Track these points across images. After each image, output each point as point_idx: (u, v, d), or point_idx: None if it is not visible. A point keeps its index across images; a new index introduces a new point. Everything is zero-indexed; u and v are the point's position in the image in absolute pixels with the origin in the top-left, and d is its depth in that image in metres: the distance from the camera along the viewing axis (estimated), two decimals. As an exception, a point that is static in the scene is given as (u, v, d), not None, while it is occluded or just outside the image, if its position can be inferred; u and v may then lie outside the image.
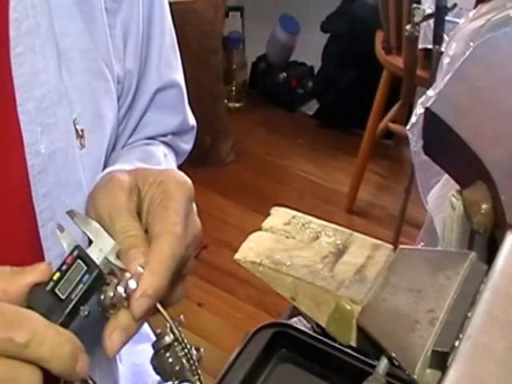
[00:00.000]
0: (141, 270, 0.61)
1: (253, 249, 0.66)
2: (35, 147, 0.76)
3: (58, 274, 0.59)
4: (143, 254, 0.62)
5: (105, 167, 0.84)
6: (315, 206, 3.00)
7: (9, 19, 0.73)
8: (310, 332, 0.71)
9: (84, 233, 0.63)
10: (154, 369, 0.65)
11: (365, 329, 0.57)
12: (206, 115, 2.85)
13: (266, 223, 0.69)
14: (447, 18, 2.11)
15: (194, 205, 0.70)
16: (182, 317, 0.64)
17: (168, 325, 0.63)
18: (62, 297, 0.58)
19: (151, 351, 1.05)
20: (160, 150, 0.96)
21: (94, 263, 0.60)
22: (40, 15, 0.76)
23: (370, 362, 0.66)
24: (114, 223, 0.65)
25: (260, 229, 0.69)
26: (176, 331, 0.63)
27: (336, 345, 0.68)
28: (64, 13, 0.79)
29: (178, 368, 0.63)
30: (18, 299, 0.58)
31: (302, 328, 0.72)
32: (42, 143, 0.77)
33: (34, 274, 0.58)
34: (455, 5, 2.12)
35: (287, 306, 0.85)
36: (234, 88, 3.77)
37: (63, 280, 0.59)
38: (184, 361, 0.63)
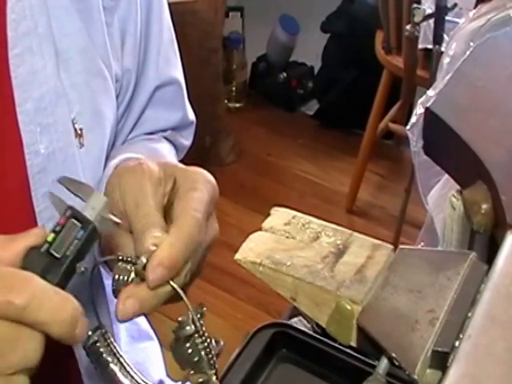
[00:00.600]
0: (154, 248, 0.63)
1: (253, 249, 0.66)
2: (34, 147, 0.76)
3: (52, 235, 0.59)
4: (160, 235, 0.65)
5: (105, 166, 0.84)
6: (315, 206, 3.00)
7: (6, 20, 0.73)
8: (310, 332, 0.71)
9: (76, 196, 0.63)
10: (173, 355, 0.65)
11: (365, 329, 0.57)
12: (206, 115, 2.85)
13: (266, 223, 0.69)
14: (447, 17, 2.11)
15: (214, 212, 0.73)
16: (204, 309, 0.65)
17: (190, 315, 0.63)
18: (58, 255, 0.58)
19: (152, 349, 1.06)
20: (165, 148, 0.97)
21: (88, 219, 0.60)
22: (38, 15, 0.76)
23: (370, 362, 0.66)
24: (138, 209, 0.67)
25: (260, 229, 0.69)
26: (198, 323, 0.64)
27: (336, 345, 0.68)
28: (62, 12, 0.79)
29: (196, 359, 0.64)
30: (15, 265, 0.58)
31: (302, 328, 0.72)
32: (41, 143, 0.76)
33: (28, 238, 0.59)
34: (455, 5, 2.12)
35: (287, 306, 0.85)
36: (234, 88, 3.77)
37: (58, 240, 0.59)
38: (203, 353, 0.64)
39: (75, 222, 0.60)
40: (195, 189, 0.69)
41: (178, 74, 1.01)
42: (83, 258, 0.60)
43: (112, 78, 0.87)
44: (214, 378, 0.64)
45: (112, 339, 0.65)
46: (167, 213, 0.70)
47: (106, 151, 0.86)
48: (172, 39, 0.99)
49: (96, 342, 0.64)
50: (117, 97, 0.89)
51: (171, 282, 0.63)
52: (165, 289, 0.63)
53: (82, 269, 0.60)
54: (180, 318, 0.64)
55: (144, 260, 0.62)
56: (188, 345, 0.64)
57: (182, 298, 0.64)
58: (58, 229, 0.59)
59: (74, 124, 0.80)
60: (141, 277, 0.63)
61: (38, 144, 0.76)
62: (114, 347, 0.64)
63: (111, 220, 0.62)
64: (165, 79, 0.97)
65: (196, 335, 0.64)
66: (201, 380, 0.64)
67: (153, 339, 1.15)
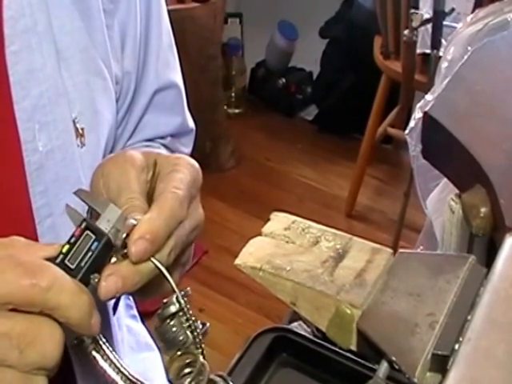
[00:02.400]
0: (134, 222, 0.62)
1: (253, 254, 0.66)
2: (32, 144, 0.76)
3: (67, 247, 0.59)
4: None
5: None
6: (315, 210, 3.00)
7: (3, 17, 0.73)
8: (311, 336, 0.72)
9: (92, 208, 0.64)
10: (158, 338, 0.65)
11: (365, 333, 0.57)
12: (206, 121, 2.85)
13: (266, 228, 0.69)
14: (445, 22, 2.11)
15: (199, 196, 0.72)
16: (188, 289, 0.65)
17: (174, 295, 0.63)
18: (72, 266, 0.59)
19: (153, 359, 1.05)
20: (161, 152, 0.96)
21: (102, 231, 0.60)
22: (37, 13, 0.76)
23: (370, 365, 0.66)
24: (121, 194, 0.67)
25: (260, 234, 0.69)
26: (182, 301, 0.63)
27: (336, 349, 0.68)
28: (62, 11, 0.79)
29: (181, 338, 0.63)
30: None
31: (303, 332, 0.72)
32: (39, 140, 0.77)
33: (46, 249, 0.59)
34: (453, 9, 2.12)
35: (287, 310, 0.85)
36: (233, 94, 3.77)
37: (72, 251, 0.59)
38: (188, 332, 0.63)
39: (90, 233, 0.60)
40: (176, 170, 0.68)
41: (178, 78, 1.01)
42: (97, 269, 0.60)
43: (112, 79, 0.87)
44: (201, 357, 0.63)
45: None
46: (150, 199, 0.69)
47: (104, 152, 0.86)
48: (171, 43, 0.99)
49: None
50: (117, 100, 0.90)
51: (153, 259, 0.62)
52: (147, 265, 0.62)
53: (96, 280, 0.60)
54: (165, 300, 0.63)
55: (123, 235, 0.61)
56: (173, 323, 0.63)
57: (167, 281, 0.63)
58: (72, 240, 0.60)
59: (75, 124, 0.81)
60: (123, 256, 0.62)
61: (37, 141, 0.77)
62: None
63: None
64: (164, 83, 0.98)
65: (181, 313, 0.63)
66: (188, 361, 0.63)
67: (153, 349, 1.15)
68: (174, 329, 0.63)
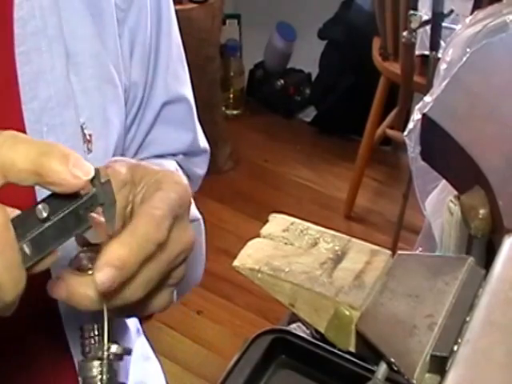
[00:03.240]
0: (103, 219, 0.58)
1: (251, 256, 0.66)
2: None
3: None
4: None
5: None
6: (313, 212, 3.00)
7: (13, 18, 0.74)
8: (309, 338, 0.71)
9: None
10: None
11: (364, 334, 0.57)
12: (204, 123, 2.84)
13: (265, 230, 0.69)
14: (444, 24, 2.11)
15: (189, 218, 0.67)
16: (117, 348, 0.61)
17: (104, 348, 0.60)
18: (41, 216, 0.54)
19: (152, 367, 1.04)
20: (171, 164, 0.95)
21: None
22: (48, 16, 0.76)
23: (369, 367, 0.66)
24: None
25: (258, 235, 0.69)
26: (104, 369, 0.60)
27: (335, 350, 0.68)
28: (74, 15, 0.79)
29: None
30: None
31: (301, 334, 0.72)
32: None
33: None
34: (452, 11, 2.13)
35: (286, 312, 0.85)
36: (231, 95, 3.78)
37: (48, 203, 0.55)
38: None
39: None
40: (160, 188, 0.63)
41: (187, 92, 0.99)
42: (65, 230, 0.55)
43: (122, 86, 0.86)
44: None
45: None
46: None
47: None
48: (181, 57, 0.98)
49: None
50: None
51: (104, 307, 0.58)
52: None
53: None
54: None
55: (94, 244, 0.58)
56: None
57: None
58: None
59: (83, 129, 0.80)
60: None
61: None
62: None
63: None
64: (173, 96, 0.96)
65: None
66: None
67: (152, 358, 1.16)
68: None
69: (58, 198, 0.54)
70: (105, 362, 0.59)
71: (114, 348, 0.60)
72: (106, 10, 0.82)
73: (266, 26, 3.74)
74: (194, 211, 0.90)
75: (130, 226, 0.59)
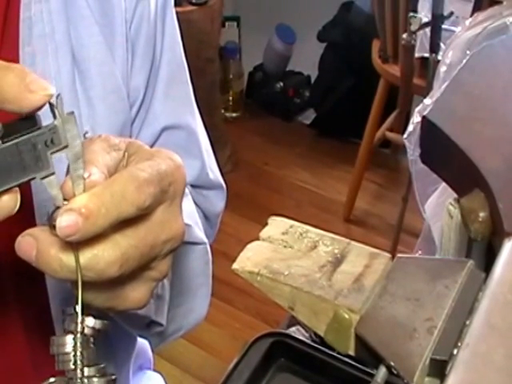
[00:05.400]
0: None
1: (250, 258, 0.65)
2: None
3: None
4: (88, 175, 0.54)
5: None
6: (313, 215, 3.00)
7: (19, 18, 0.74)
8: (309, 341, 0.71)
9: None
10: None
11: (363, 338, 0.57)
12: (203, 125, 2.85)
13: (264, 233, 0.69)
14: (444, 26, 2.11)
15: (181, 205, 0.61)
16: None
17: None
18: None
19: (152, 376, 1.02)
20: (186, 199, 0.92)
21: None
22: (56, 22, 0.76)
23: (368, 370, 0.66)
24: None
25: (257, 238, 0.69)
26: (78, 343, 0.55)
27: (334, 354, 0.68)
28: (81, 23, 0.79)
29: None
30: None
31: (301, 337, 0.72)
32: None
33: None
34: (452, 13, 2.13)
35: (285, 315, 0.84)
36: (230, 98, 3.78)
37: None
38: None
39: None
40: (149, 159, 0.57)
41: (191, 121, 0.95)
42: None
43: (128, 97, 0.85)
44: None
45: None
46: None
47: None
48: (185, 80, 0.95)
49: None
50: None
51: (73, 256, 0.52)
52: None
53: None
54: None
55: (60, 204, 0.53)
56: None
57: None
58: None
59: (85, 138, 0.79)
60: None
61: None
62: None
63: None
64: (174, 122, 0.92)
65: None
66: None
67: (151, 368, 1.16)
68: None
69: (16, 125, 0.50)
70: (79, 336, 0.54)
71: (90, 321, 0.55)
72: (116, 21, 0.82)
73: (265, 29, 3.74)
74: (199, 233, 0.88)
75: (107, 180, 0.54)
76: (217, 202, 1.02)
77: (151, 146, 0.88)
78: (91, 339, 0.56)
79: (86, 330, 0.55)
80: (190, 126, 0.95)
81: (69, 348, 0.54)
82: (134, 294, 0.59)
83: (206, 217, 1.00)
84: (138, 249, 0.55)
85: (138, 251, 0.55)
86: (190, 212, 0.89)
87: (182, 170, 0.59)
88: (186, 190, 0.91)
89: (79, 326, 0.54)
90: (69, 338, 0.55)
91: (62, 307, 0.58)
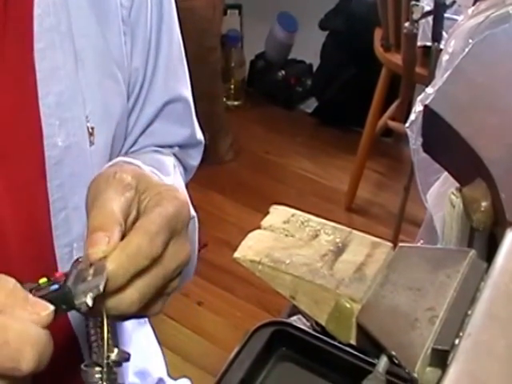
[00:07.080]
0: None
1: (252, 247, 0.65)
2: (53, 140, 0.79)
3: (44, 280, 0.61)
4: (108, 240, 0.62)
5: None
6: (314, 204, 3.00)
7: (33, 15, 0.76)
8: (310, 330, 0.71)
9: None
10: None
11: (364, 327, 0.57)
12: (205, 114, 2.84)
13: (265, 221, 0.69)
14: (446, 15, 2.10)
15: (187, 233, 0.69)
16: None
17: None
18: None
19: (153, 351, 1.04)
20: (170, 160, 0.96)
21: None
22: (60, 13, 0.79)
23: (369, 360, 0.66)
24: (97, 198, 0.66)
25: (259, 227, 0.69)
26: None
27: (336, 343, 0.68)
28: (80, 14, 0.81)
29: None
30: None
31: (302, 326, 0.72)
32: (59, 136, 0.80)
33: (31, 314, 0.56)
34: (454, 2, 2.12)
35: (287, 304, 0.84)
36: (232, 86, 3.77)
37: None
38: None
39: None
40: (159, 204, 0.66)
41: (187, 93, 1.02)
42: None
43: (124, 82, 0.89)
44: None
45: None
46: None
47: (111, 153, 0.88)
48: (181, 57, 1.00)
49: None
50: (128, 98, 0.91)
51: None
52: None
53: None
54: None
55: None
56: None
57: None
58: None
59: (86, 122, 0.83)
60: None
61: (56, 137, 0.79)
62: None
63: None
64: (174, 96, 0.98)
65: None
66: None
67: (154, 346, 1.17)
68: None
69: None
70: (105, 369, 0.61)
71: (114, 356, 0.62)
72: (111, 10, 0.85)
73: (267, 17, 3.73)
74: (192, 211, 0.92)
75: (124, 240, 0.62)
76: (196, 156, 1.08)
77: (153, 119, 0.96)
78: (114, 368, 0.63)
79: (111, 363, 0.62)
80: (186, 98, 1.02)
81: (96, 378, 0.61)
82: (152, 309, 0.68)
83: (185, 169, 1.06)
84: (154, 285, 0.64)
85: (154, 286, 0.64)
86: (181, 186, 0.95)
87: (187, 207, 0.68)
88: (174, 150, 1.01)
89: (105, 361, 0.61)
90: (96, 370, 0.62)
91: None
